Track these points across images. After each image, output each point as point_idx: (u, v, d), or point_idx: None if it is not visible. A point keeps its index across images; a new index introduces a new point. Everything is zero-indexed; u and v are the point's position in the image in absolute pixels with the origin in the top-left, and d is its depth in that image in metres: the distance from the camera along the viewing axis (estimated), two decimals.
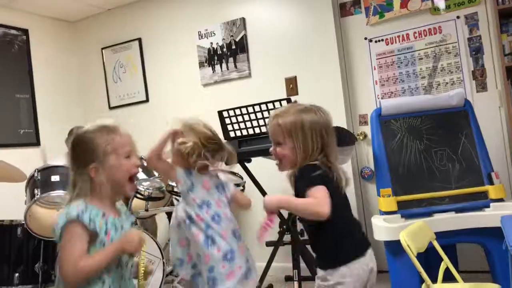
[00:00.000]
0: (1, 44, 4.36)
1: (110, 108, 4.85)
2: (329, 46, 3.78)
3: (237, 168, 3.59)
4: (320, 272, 1.70)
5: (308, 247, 2.69)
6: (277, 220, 1.98)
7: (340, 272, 1.63)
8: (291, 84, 3.89)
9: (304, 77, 3.87)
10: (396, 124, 3.06)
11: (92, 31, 4.98)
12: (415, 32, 3.61)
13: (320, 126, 1.73)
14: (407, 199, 2.86)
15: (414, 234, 1.91)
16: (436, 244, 2.09)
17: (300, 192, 1.67)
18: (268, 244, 3.40)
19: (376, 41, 3.75)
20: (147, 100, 4.65)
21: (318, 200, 1.58)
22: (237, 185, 3.60)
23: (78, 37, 5.06)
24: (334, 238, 1.69)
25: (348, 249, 1.68)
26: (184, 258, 1.98)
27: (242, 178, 3.72)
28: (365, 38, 3.78)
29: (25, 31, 4.56)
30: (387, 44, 3.71)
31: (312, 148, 1.71)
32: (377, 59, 3.75)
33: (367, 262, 1.68)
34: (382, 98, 3.67)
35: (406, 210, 2.84)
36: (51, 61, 4.79)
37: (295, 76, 3.89)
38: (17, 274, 3.27)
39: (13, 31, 4.46)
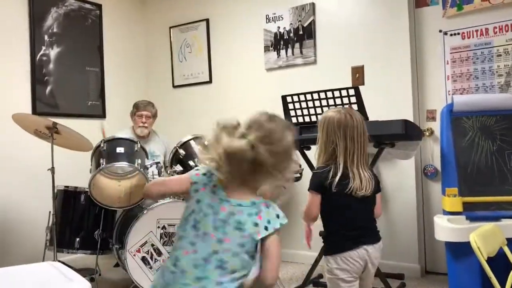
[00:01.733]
0: (75, 17, 4.51)
1: (174, 86, 4.93)
2: (400, 36, 3.64)
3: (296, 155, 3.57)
4: (324, 257, 2.09)
5: None
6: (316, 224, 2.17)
7: (334, 259, 1.99)
8: (358, 74, 3.80)
9: (372, 67, 3.76)
10: (468, 122, 2.92)
11: (161, 10, 5.06)
12: (495, 27, 3.41)
13: (343, 128, 1.97)
14: (473, 200, 2.73)
15: (485, 237, 1.81)
16: (507, 250, 1.97)
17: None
18: (322, 233, 3.36)
19: (451, 35, 3.58)
20: (210, 81, 4.69)
21: (308, 207, 2.06)
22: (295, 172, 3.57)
23: (147, 15, 5.16)
24: (332, 232, 2.07)
25: (339, 243, 2.00)
26: None
27: (300, 165, 3.68)
28: (440, 31, 3.61)
29: (99, 6, 4.69)
30: (463, 38, 3.53)
31: (326, 146, 2.01)
32: (451, 53, 3.58)
33: (357, 257, 1.97)
34: (453, 94, 3.51)
35: (472, 212, 2.71)
36: (121, 36, 4.91)
37: (363, 66, 3.79)
38: (78, 239, 3.41)
39: (87, 5, 4.61)
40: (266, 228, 1.45)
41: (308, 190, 2.06)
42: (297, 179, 3.54)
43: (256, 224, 1.44)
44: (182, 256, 1.45)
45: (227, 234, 1.43)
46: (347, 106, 3.01)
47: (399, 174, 3.66)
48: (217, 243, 1.43)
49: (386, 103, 3.61)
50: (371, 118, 3.07)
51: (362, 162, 1.99)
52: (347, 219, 2.03)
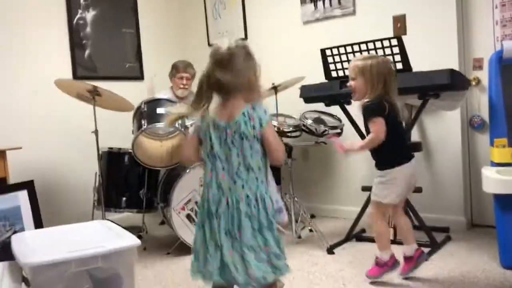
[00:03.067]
0: None
1: (210, 44, 4.88)
2: None
3: (337, 110, 3.52)
4: (379, 172, 2.52)
5: None
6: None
7: (393, 171, 2.45)
8: (399, 23, 3.64)
9: (414, 16, 3.59)
10: None
11: None
12: None
13: (381, 70, 2.43)
14: None
15: None
16: None
17: (365, 118, 2.47)
18: (364, 189, 3.35)
19: None
20: (246, 38, 4.61)
21: (377, 132, 2.40)
22: (335, 127, 3.53)
23: None
24: (390, 149, 2.45)
25: (399, 157, 2.48)
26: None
27: (340, 120, 3.63)
28: None
29: None
30: None
31: (374, 85, 2.42)
32: None
33: (411, 167, 2.50)
34: (502, 41, 3.33)
35: None
36: None
37: (404, 14, 3.62)
38: (124, 198, 3.52)
39: None
40: (260, 125, 1.82)
41: (372, 117, 2.41)
42: (339, 134, 3.50)
43: (253, 127, 1.81)
44: (222, 181, 1.83)
45: (240, 147, 1.82)
46: (390, 56, 2.92)
47: (444, 126, 3.55)
48: (237, 157, 1.82)
49: (430, 52, 3.45)
50: (415, 68, 2.97)
51: (396, 94, 2.47)
52: (402, 136, 2.62)
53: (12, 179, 3.24)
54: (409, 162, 2.49)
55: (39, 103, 3.90)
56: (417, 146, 3.34)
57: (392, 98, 2.43)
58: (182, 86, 3.99)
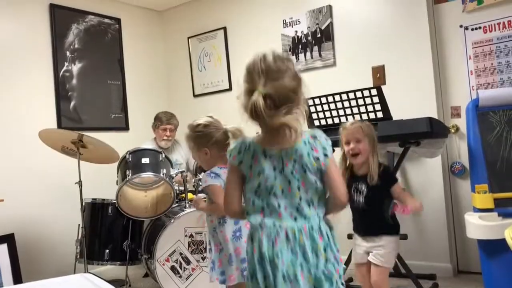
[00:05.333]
0: (96, 32, 4.59)
1: (195, 96, 4.97)
2: (421, 34, 3.60)
3: None
4: (387, 238, 2.49)
5: None
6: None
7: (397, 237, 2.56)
8: (379, 73, 3.76)
9: (393, 66, 3.72)
10: (495, 116, 2.85)
11: (179, 20, 5.11)
12: None
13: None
14: (505, 196, 2.66)
15: None
16: None
17: (392, 183, 2.50)
18: (350, 236, 3.32)
19: (472, 29, 3.52)
20: (230, 89, 4.70)
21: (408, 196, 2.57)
22: None
23: (165, 26, 5.22)
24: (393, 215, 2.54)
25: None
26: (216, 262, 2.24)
27: None
28: (461, 26, 3.56)
29: (118, 20, 4.77)
30: (485, 32, 3.47)
31: (375, 148, 2.49)
32: (473, 48, 3.52)
33: None
34: (477, 89, 3.45)
35: (504, 208, 2.63)
36: (140, 49, 4.98)
37: (383, 65, 3.76)
38: (107, 251, 3.45)
39: (107, 20, 4.69)
40: (325, 156, 1.55)
41: (396, 183, 2.51)
42: None
43: (317, 158, 1.54)
44: (280, 220, 1.54)
45: (300, 179, 1.55)
46: (370, 106, 2.99)
47: (426, 173, 3.61)
48: (298, 191, 1.55)
49: (409, 101, 3.56)
50: (395, 117, 3.04)
51: None
52: None
53: None
54: None
55: (23, 154, 3.88)
56: None
57: None
58: (165, 137, 4.02)
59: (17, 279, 2.93)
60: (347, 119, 3.03)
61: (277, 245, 1.52)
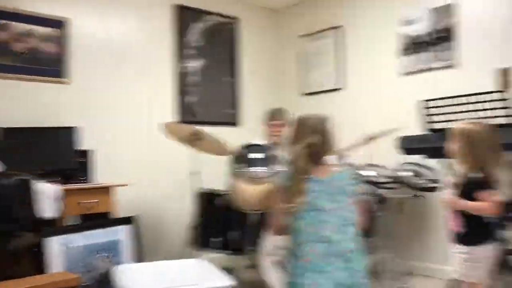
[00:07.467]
0: (215, 30, 4.80)
1: (305, 94, 5.00)
2: None
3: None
4: (463, 248, 2.38)
5: None
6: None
7: (477, 249, 2.34)
8: (503, 76, 3.50)
9: None
10: None
11: (293, 19, 5.18)
12: None
13: (483, 139, 2.35)
14: None
15: None
16: None
17: (473, 190, 2.34)
18: None
19: None
20: (342, 89, 4.67)
21: (491, 204, 2.28)
22: (434, 181, 3.40)
23: (280, 25, 5.31)
24: (481, 224, 2.35)
25: (486, 234, 2.36)
26: None
27: (439, 174, 3.50)
28: None
29: (236, 19, 4.95)
30: None
31: (471, 153, 2.37)
32: None
33: (495, 248, 2.37)
34: None
35: None
36: (255, 47, 5.13)
37: (509, 68, 3.48)
38: (215, 240, 3.59)
39: (226, 19, 4.89)
40: (357, 184, 2.02)
41: (485, 189, 2.31)
42: (431, 189, 3.38)
43: (353, 184, 1.99)
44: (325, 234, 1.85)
45: (343, 201, 1.93)
46: (493, 110, 2.81)
47: None
48: (344, 211, 1.91)
49: None
50: None
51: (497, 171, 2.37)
52: (490, 219, 2.39)
53: (121, 214, 3.46)
54: (493, 243, 2.39)
55: (147, 146, 4.23)
56: None
57: (490, 171, 2.35)
58: (275, 133, 4.08)
59: (139, 258, 3.17)
60: None
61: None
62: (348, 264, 1.80)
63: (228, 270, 3.69)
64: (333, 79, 4.73)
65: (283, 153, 4.01)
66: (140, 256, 3.15)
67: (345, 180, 1.96)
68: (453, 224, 2.44)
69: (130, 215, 3.29)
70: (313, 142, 1.95)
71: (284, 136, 4.14)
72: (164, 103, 4.43)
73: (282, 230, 2.00)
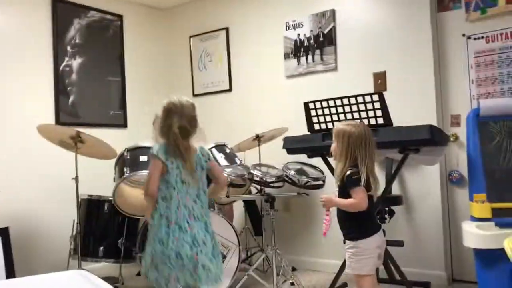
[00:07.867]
0: (97, 28, 4.57)
1: (194, 95, 4.95)
2: (423, 41, 3.60)
3: (319, 162, 3.54)
4: (348, 243, 2.46)
5: None
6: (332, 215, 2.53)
7: (363, 242, 2.41)
8: (380, 79, 3.76)
9: (394, 73, 3.72)
10: (495, 126, 2.85)
11: (181, 19, 5.11)
12: None
13: (360, 138, 2.43)
14: (503, 206, 2.65)
15: None
16: None
17: (346, 186, 2.42)
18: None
19: (475, 39, 3.53)
20: (230, 90, 4.70)
21: (361, 200, 2.37)
22: (317, 179, 3.54)
23: (168, 25, 5.20)
24: (361, 219, 2.44)
25: (368, 228, 2.45)
26: None
27: (322, 172, 3.65)
28: (463, 35, 3.56)
29: (120, 17, 4.75)
30: (487, 42, 3.48)
31: (348, 154, 2.44)
32: (475, 57, 3.53)
33: (377, 239, 2.46)
34: (478, 99, 3.45)
35: (501, 218, 2.62)
36: (141, 46, 4.96)
37: (385, 71, 3.76)
38: (101, 248, 3.44)
39: (109, 16, 4.67)
40: (208, 159, 2.48)
41: (356, 186, 2.38)
42: (319, 186, 3.51)
43: (206, 161, 2.44)
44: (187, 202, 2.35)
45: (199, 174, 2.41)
46: (371, 111, 2.99)
47: (423, 181, 3.61)
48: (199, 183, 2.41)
49: (409, 108, 3.57)
50: (395, 124, 3.04)
51: (374, 167, 2.48)
52: (372, 208, 2.55)
53: None
54: (377, 233, 2.48)
55: (19, 148, 3.86)
56: (398, 200, 3.37)
57: (367, 167, 2.43)
58: None
59: (10, 273, 2.90)
60: None
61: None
62: (201, 223, 2.33)
63: (114, 280, 3.56)
64: (224, 80, 4.75)
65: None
66: (13, 271, 2.89)
67: (201, 157, 2.40)
68: (326, 222, 2.51)
69: (1, 226, 3.00)
70: (182, 124, 2.32)
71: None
72: (44, 103, 4.11)
73: (152, 194, 2.31)
